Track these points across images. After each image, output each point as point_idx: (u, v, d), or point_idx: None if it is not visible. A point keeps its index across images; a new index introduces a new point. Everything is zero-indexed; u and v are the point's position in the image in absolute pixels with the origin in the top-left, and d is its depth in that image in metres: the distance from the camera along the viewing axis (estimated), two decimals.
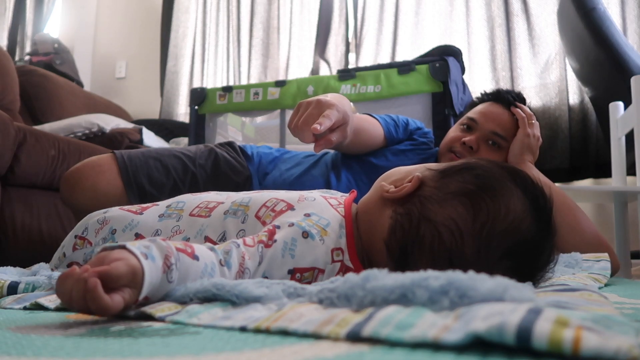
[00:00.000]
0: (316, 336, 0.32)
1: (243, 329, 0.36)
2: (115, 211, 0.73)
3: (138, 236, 0.67)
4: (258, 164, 1.25)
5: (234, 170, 1.21)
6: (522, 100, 1.26)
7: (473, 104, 1.31)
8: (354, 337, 0.31)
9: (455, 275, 0.36)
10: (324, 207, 0.64)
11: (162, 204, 0.73)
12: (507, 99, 1.23)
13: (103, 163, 1.12)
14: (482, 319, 0.29)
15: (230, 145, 1.29)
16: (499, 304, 0.32)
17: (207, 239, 0.63)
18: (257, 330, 0.35)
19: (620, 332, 0.28)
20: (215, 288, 0.44)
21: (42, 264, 0.81)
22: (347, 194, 0.72)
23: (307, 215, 0.61)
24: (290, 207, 0.62)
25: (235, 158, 1.24)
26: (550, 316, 0.29)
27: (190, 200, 0.71)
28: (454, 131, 1.25)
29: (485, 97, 1.29)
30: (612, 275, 0.95)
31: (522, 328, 0.27)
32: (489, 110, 1.22)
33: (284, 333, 0.34)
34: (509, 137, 1.19)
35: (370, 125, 1.18)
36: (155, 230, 0.67)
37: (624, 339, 0.26)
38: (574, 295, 0.45)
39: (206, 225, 0.64)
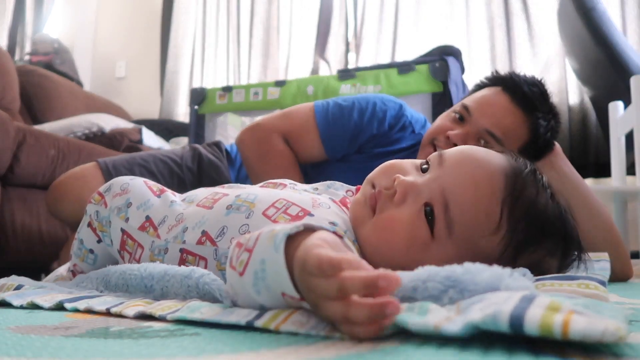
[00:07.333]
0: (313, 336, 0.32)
1: (249, 325, 0.36)
2: (138, 184, 0.70)
3: (148, 219, 0.65)
4: (239, 169, 1.23)
5: (217, 171, 1.18)
6: (544, 92, 1.03)
7: (477, 87, 1.08)
8: None
9: (452, 273, 0.37)
10: (340, 213, 0.60)
11: (179, 195, 0.71)
12: (521, 91, 0.98)
13: (87, 174, 1.10)
14: (479, 309, 0.30)
15: (217, 145, 1.26)
16: (496, 294, 0.33)
17: (205, 234, 0.59)
18: (264, 330, 0.35)
19: (609, 316, 0.29)
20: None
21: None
22: (351, 187, 0.69)
23: (332, 224, 0.55)
24: (308, 213, 0.57)
25: (220, 159, 1.21)
26: (543, 303, 0.30)
27: (203, 192, 0.69)
28: (442, 119, 1.04)
29: (491, 81, 1.05)
30: (625, 280, 0.94)
31: (514, 315, 0.28)
32: (490, 102, 0.99)
33: (291, 334, 0.33)
34: (505, 141, 0.96)
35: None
36: (164, 216, 0.65)
37: (611, 321, 0.27)
38: (572, 285, 0.46)
39: (207, 218, 0.60)
